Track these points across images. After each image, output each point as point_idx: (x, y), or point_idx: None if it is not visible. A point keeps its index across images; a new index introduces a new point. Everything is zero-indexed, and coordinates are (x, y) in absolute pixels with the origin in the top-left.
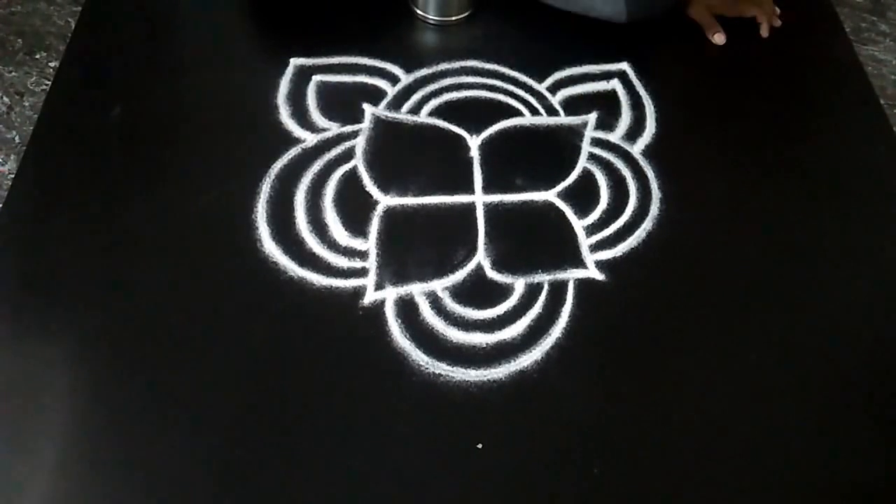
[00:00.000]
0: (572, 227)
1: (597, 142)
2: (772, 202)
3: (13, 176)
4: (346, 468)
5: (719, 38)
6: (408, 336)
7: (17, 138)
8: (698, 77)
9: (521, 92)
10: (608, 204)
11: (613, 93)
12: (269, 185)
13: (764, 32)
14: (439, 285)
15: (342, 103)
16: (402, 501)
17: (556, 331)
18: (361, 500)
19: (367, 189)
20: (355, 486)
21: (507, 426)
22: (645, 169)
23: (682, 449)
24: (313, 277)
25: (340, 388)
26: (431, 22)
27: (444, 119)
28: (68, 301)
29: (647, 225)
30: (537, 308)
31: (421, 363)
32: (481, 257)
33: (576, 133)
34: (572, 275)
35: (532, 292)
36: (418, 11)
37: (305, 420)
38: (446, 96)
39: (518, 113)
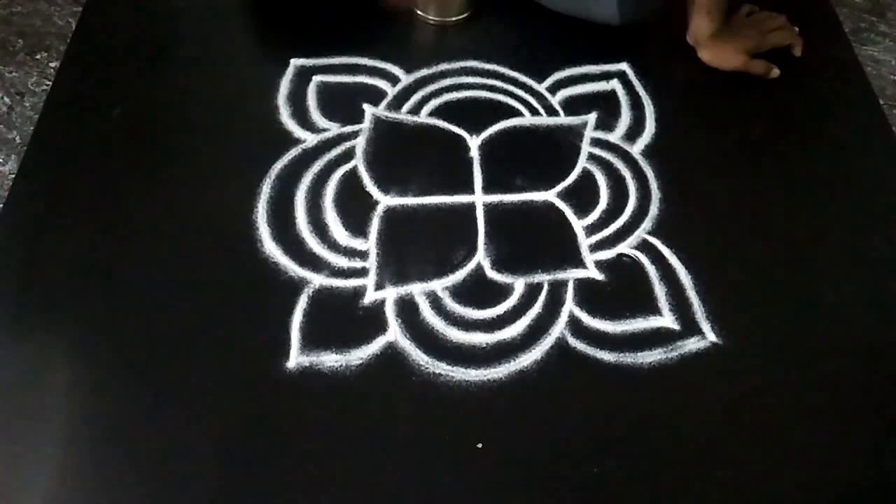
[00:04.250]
0: (572, 227)
1: (596, 142)
2: (771, 202)
3: (13, 176)
4: (346, 468)
5: (776, 73)
6: (408, 336)
7: (17, 138)
8: (698, 77)
9: (520, 92)
10: (608, 204)
11: (613, 93)
12: (269, 186)
13: (798, 52)
14: (439, 285)
15: (342, 103)
16: (402, 501)
17: (556, 331)
18: (361, 499)
19: (367, 189)
20: (355, 486)
21: (507, 426)
22: (644, 169)
23: (682, 448)
24: (313, 277)
25: (340, 387)
26: (431, 22)
27: (444, 119)
28: (68, 301)
29: (647, 225)
30: (537, 308)
31: (421, 363)
32: (481, 257)
33: (576, 133)
34: (572, 275)
35: (532, 292)
36: (418, 12)
37: (306, 419)
38: (446, 96)
39: (518, 113)
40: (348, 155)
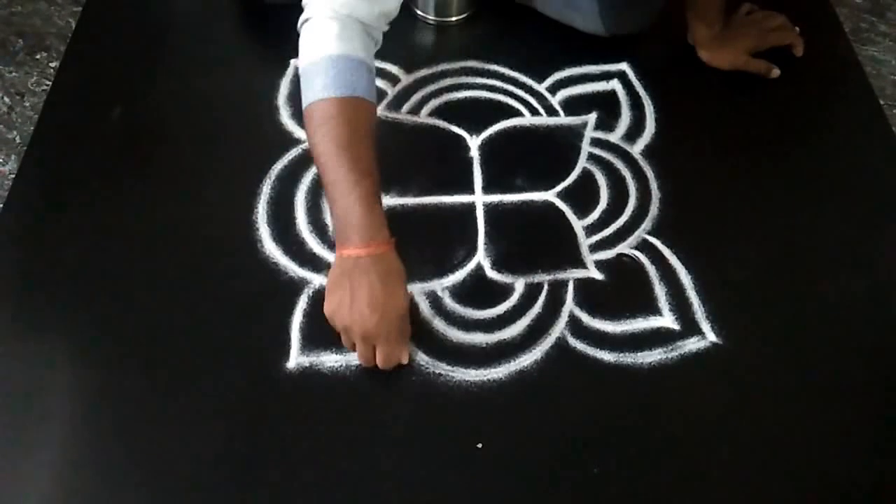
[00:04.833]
0: (572, 227)
1: (596, 142)
2: (771, 202)
3: (13, 176)
4: (346, 467)
5: (776, 73)
6: None
7: (17, 138)
8: (698, 77)
9: (520, 92)
10: (608, 204)
11: (613, 93)
12: (269, 186)
13: (800, 52)
14: (439, 285)
15: None
16: (401, 501)
17: (556, 331)
18: (361, 499)
19: None
20: (355, 486)
21: (507, 426)
22: (645, 169)
23: (682, 448)
24: (313, 277)
25: (340, 387)
26: (431, 22)
27: (444, 119)
28: (68, 301)
29: (647, 225)
30: (537, 308)
31: (421, 363)
32: (481, 257)
33: (576, 133)
34: (572, 275)
35: (532, 292)
36: (418, 12)
37: (306, 419)
38: (446, 96)
39: (518, 113)
40: None
